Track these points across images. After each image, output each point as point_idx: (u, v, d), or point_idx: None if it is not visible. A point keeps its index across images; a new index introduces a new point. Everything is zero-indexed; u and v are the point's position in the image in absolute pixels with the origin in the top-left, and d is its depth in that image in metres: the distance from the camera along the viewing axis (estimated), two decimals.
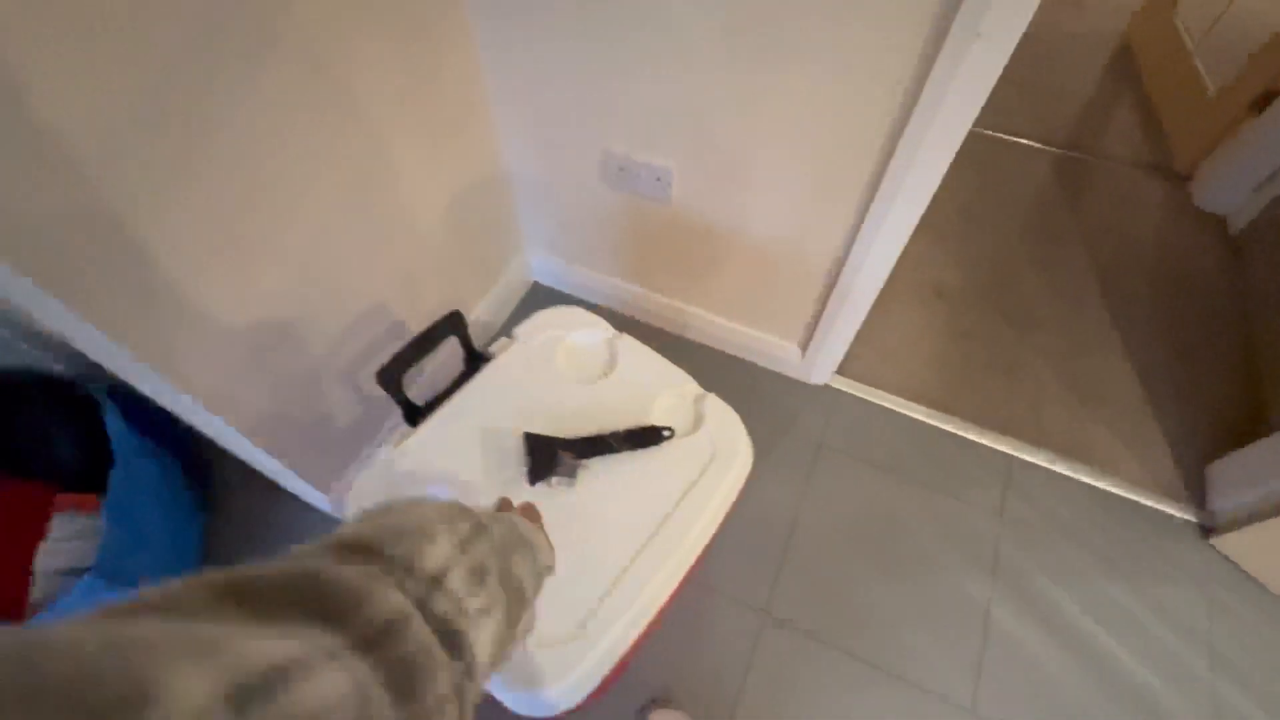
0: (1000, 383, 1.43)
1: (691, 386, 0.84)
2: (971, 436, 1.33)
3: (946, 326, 1.52)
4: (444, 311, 0.82)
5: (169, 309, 0.73)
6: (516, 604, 0.36)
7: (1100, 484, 1.28)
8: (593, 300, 1.52)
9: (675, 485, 0.75)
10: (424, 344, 0.80)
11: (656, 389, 0.84)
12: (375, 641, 0.23)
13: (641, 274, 1.40)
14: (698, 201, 1.13)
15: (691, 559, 0.72)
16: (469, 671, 0.28)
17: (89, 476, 0.99)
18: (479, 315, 1.40)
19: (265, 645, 0.18)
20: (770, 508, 1.24)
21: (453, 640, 0.28)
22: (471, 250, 1.30)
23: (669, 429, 0.78)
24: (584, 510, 0.74)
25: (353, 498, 0.74)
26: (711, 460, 0.77)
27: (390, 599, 0.25)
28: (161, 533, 1.02)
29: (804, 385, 1.41)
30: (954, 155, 0.88)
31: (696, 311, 1.40)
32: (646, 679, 1.06)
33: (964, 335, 1.50)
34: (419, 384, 1.26)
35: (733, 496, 0.76)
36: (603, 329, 0.89)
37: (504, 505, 0.63)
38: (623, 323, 1.48)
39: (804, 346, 1.34)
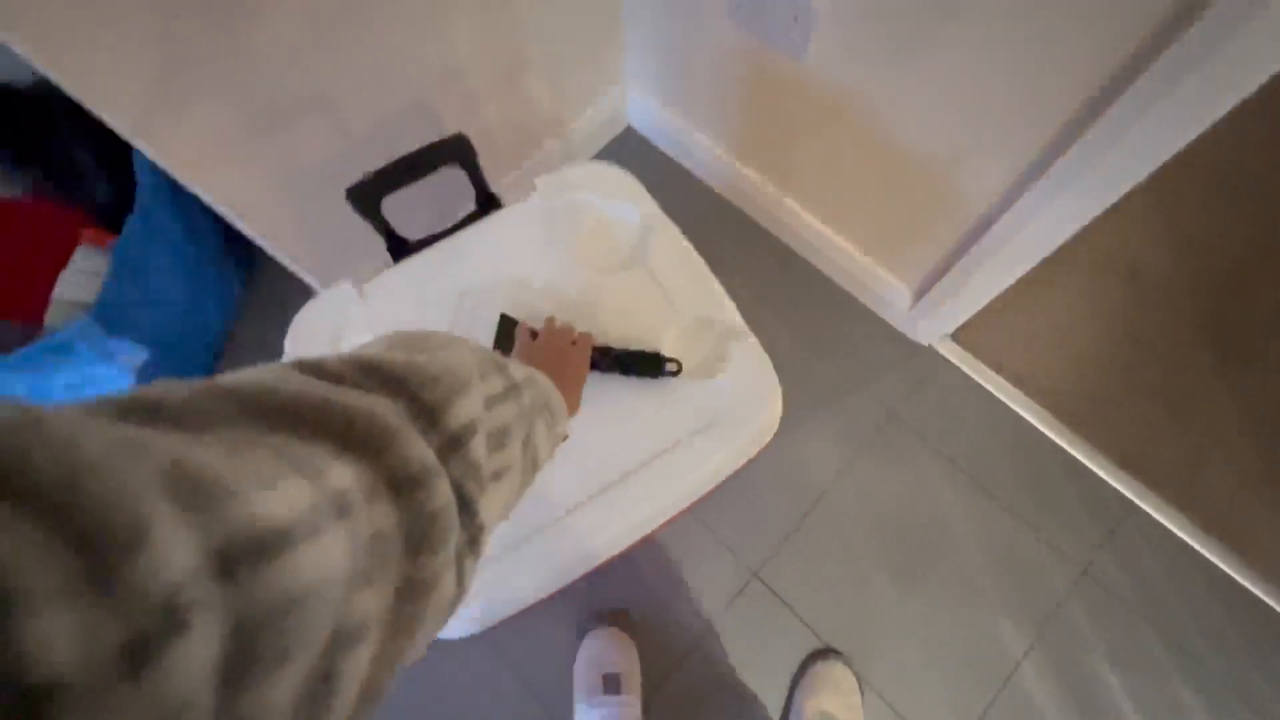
0: (1163, 414, 1.08)
1: (729, 317, 0.63)
2: (1091, 466, 1.04)
3: (1123, 321, 1.15)
4: (509, 133, 0.64)
5: (128, 57, 0.59)
6: (530, 470, 0.35)
7: (1239, 577, 0.98)
8: (689, 166, 1.27)
9: (660, 435, 0.58)
10: (414, 165, 0.63)
11: (684, 305, 0.64)
12: (403, 486, 0.22)
13: (748, 147, 1.12)
14: (840, 67, 0.83)
15: (645, 531, 0.57)
16: (472, 542, 0.27)
17: (119, 214, 0.96)
18: (555, 150, 1.20)
19: (271, 499, 0.16)
20: (806, 463, 1.05)
21: (464, 506, 0.26)
22: (560, 63, 1.06)
23: (676, 363, 0.60)
24: None
25: (293, 333, 0.64)
26: (716, 421, 0.59)
27: (419, 448, 0.23)
28: (177, 294, 1.00)
29: (902, 339, 1.14)
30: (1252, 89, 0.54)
31: (800, 212, 1.12)
32: (611, 591, 0.99)
33: (1140, 340, 1.14)
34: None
35: (724, 474, 0.58)
36: (644, 207, 0.68)
37: (547, 323, 0.57)
38: (713, 203, 1.24)
39: (918, 294, 1.06)
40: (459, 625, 0.55)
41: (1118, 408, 1.08)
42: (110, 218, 0.99)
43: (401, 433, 0.23)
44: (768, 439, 0.60)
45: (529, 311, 0.64)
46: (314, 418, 0.20)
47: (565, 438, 0.43)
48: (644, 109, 1.25)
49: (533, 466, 0.35)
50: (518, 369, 0.35)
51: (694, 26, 0.96)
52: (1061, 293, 1.16)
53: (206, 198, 0.77)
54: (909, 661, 0.95)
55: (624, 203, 0.68)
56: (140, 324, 0.93)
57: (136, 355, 0.93)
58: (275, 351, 1.27)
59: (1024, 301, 1.12)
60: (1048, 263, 0.85)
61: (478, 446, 0.27)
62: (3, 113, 0.94)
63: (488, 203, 0.72)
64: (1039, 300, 1.14)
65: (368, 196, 0.62)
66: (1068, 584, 0.97)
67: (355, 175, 0.72)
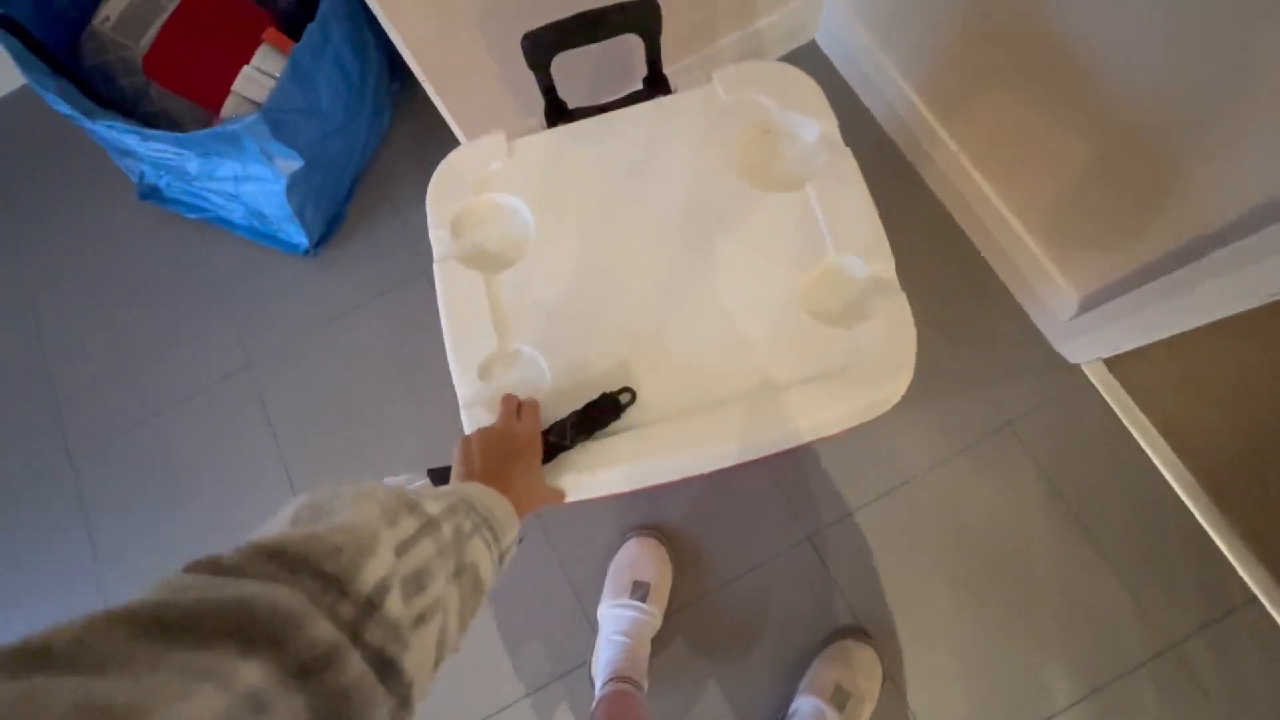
0: None
1: (884, 269, 0.57)
2: (1222, 546, 0.92)
3: None
4: (688, 17, 0.59)
5: None
6: (470, 597, 0.35)
7: None
8: (864, 97, 1.14)
9: (780, 369, 0.55)
10: (598, 23, 0.59)
11: (840, 244, 0.58)
12: (311, 670, 0.22)
13: (940, 91, 0.99)
14: (1095, 13, 0.69)
15: (735, 461, 0.55)
16: (404, 703, 0.27)
17: (299, 23, 0.98)
18: (730, 47, 1.11)
19: (185, 711, 0.17)
20: (899, 446, 0.99)
21: (387, 669, 0.26)
22: None
23: (629, 392, 0.55)
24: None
25: (438, 177, 0.63)
26: (841, 374, 0.54)
27: (323, 628, 0.24)
28: (336, 111, 1.03)
29: (1047, 349, 1.02)
30: None
31: (977, 179, 0.99)
32: (666, 504, 1.00)
33: None
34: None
35: (833, 429, 0.55)
36: (825, 127, 0.61)
37: (505, 402, 0.53)
38: (879, 144, 1.13)
39: (1085, 304, 0.93)
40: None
41: None
42: (291, 25, 1.02)
43: (304, 616, 0.23)
44: (888, 408, 0.56)
45: (662, 215, 0.60)
46: (212, 623, 0.21)
47: (514, 546, 0.43)
48: (837, 25, 1.12)
49: (474, 592, 0.35)
50: (434, 503, 0.35)
51: None
52: (1257, 347, 0.99)
53: (386, 23, 0.76)
54: (941, 672, 0.91)
55: (804, 116, 0.61)
56: (299, 133, 0.97)
57: (292, 162, 0.98)
58: (410, 182, 1.30)
59: (1207, 344, 0.96)
60: (1269, 309, 0.71)
61: (394, 602, 0.28)
62: None
63: (656, 84, 0.67)
64: (1226, 349, 0.98)
65: (542, 48, 0.59)
66: (1147, 656, 0.89)
67: (522, 26, 0.69)
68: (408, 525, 0.32)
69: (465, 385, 0.56)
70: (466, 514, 0.38)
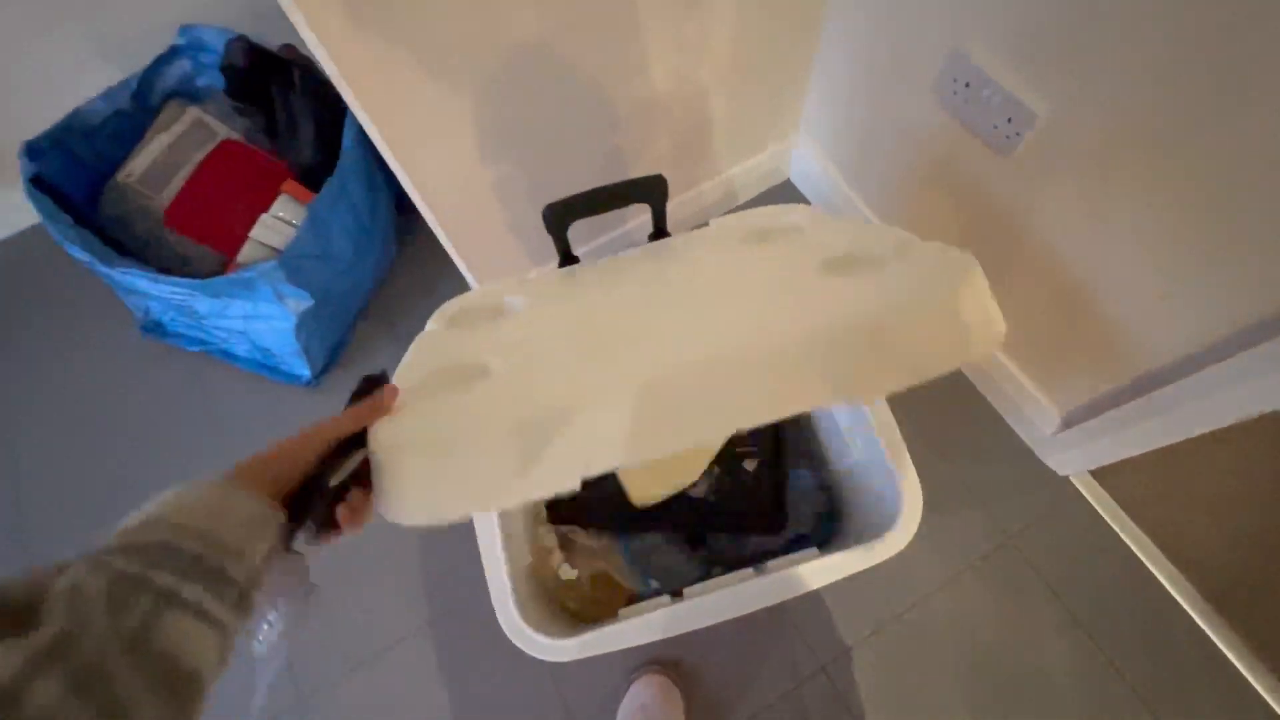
0: None
1: (880, 415, 0.60)
2: (1235, 661, 0.91)
3: None
4: (670, 171, 0.66)
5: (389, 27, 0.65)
6: (168, 707, 0.23)
7: None
8: None
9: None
10: (609, 197, 0.65)
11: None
12: None
13: (910, 228, 1.08)
14: (1044, 173, 0.78)
15: (749, 610, 0.55)
16: None
17: (318, 176, 1.05)
18: (709, 191, 1.21)
19: None
20: (904, 569, 0.97)
21: None
22: (743, 108, 1.07)
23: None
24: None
25: (445, 305, 0.66)
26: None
27: None
28: (346, 252, 1.08)
29: (1035, 462, 1.05)
30: None
31: None
32: (671, 641, 0.96)
33: None
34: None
35: (848, 573, 0.56)
36: None
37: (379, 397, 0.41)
38: None
39: (1068, 422, 0.97)
40: (559, 650, 0.55)
41: None
42: (309, 177, 1.09)
43: None
44: (903, 546, 0.57)
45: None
46: None
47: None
48: (809, 166, 1.24)
49: (171, 692, 0.23)
50: (58, 601, 0.22)
51: (891, 92, 0.94)
52: (1236, 457, 1.04)
53: (406, 182, 0.83)
54: None
55: None
56: (311, 275, 1.01)
57: (303, 302, 1.01)
58: (412, 311, 1.33)
59: (1188, 457, 1.00)
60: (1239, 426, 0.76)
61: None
62: (249, 66, 1.07)
63: (660, 239, 0.73)
64: (1207, 459, 1.03)
65: (560, 216, 0.64)
66: None
67: (526, 186, 0.75)
68: (12, 660, 0.20)
69: None
70: (154, 567, 0.25)
